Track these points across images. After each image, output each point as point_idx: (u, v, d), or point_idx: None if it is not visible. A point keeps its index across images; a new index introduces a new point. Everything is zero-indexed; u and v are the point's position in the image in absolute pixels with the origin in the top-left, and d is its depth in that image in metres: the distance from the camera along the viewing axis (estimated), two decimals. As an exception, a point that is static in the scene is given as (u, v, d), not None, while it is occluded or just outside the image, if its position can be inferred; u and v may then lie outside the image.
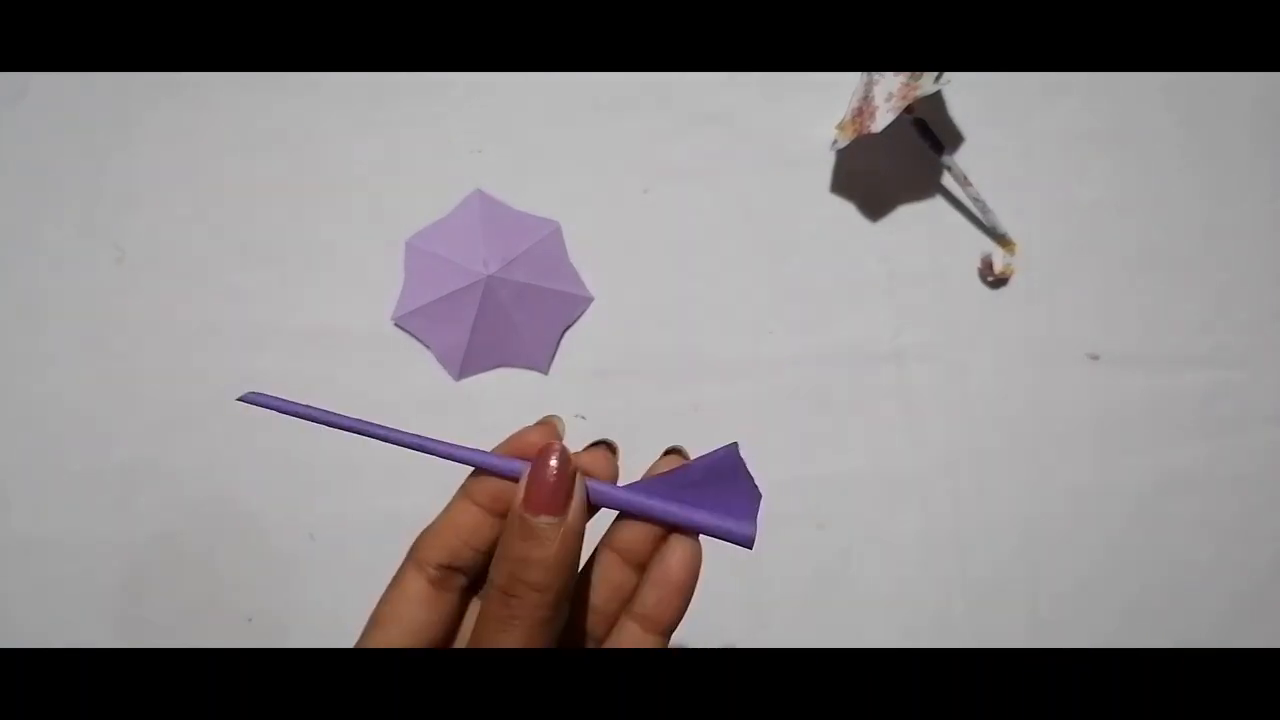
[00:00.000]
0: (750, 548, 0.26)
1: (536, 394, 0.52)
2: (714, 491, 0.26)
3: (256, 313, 0.52)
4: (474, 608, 0.28)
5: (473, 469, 0.27)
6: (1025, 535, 0.52)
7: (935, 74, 0.47)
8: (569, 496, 0.25)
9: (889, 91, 0.48)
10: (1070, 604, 0.52)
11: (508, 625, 0.24)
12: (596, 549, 0.28)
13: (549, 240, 0.52)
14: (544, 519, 0.24)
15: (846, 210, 0.54)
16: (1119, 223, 0.54)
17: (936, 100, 0.54)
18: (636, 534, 0.27)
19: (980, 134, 0.54)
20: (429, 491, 0.51)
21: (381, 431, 0.28)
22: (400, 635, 0.27)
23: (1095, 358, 0.53)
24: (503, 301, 0.50)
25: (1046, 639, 0.51)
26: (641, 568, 0.27)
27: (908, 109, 0.49)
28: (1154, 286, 0.54)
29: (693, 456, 0.27)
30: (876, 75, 0.49)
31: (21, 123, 0.53)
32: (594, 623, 0.28)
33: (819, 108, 0.53)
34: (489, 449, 0.28)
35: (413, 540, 0.28)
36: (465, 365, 0.52)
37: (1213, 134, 0.54)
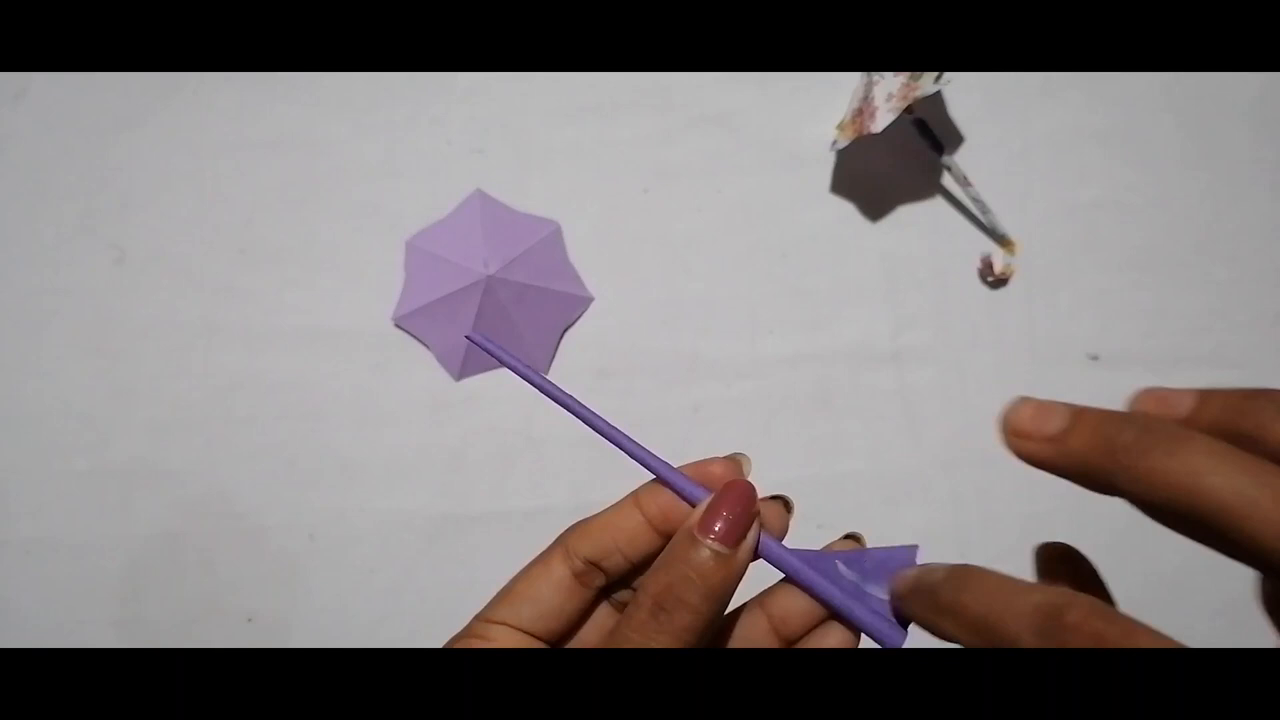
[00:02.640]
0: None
1: (536, 394, 0.52)
2: (877, 584, 0.26)
3: (256, 313, 0.52)
4: (602, 611, 0.28)
5: (653, 479, 0.28)
6: (1025, 535, 0.52)
7: (935, 74, 0.47)
8: (743, 534, 0.25)
9: (889, 92, 0.48)
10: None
11: (653, 638, 0.24)
12: (747, 604, 0.28)
13: (549, 240, 0.52)
14: (715, 545, 0.25)
15: (846, 210, 0.54)
16: (1119, 223, 0.54)
17: (936, 100, 0.54)
18: (796, 607, 0.27)
19: (980, 134, 0.54)
20: (429, 491, 0.52)
21: (584, 412, 0.28)
22: (530, 615, 0.27)
23: (1095, 358, 0.53)
24: (503, 302, 0.50)
25: (1046, 639, 0.51)
26: (784, 640, 0.27)
27: (908, 109, 0.49)
28: (1154, 286, 0.54)
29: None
30: (876, 75, 0.49)
31: (21, 122, 0.53)
32: None
33: (819, 108, 0.53)
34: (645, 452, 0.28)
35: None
36: (465, 365, 0.52)
37: (1213, 134, 0.54)
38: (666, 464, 0.27)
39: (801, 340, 0.53)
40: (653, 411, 0.53)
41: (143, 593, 0.51)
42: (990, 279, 0.53)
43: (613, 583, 0.28)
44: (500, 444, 0.52)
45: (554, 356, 0.53)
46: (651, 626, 0.24)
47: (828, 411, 0.53)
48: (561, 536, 0.28)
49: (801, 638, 0.27)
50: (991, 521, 0.52)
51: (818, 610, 0.27)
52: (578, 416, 0.28)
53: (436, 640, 0.29)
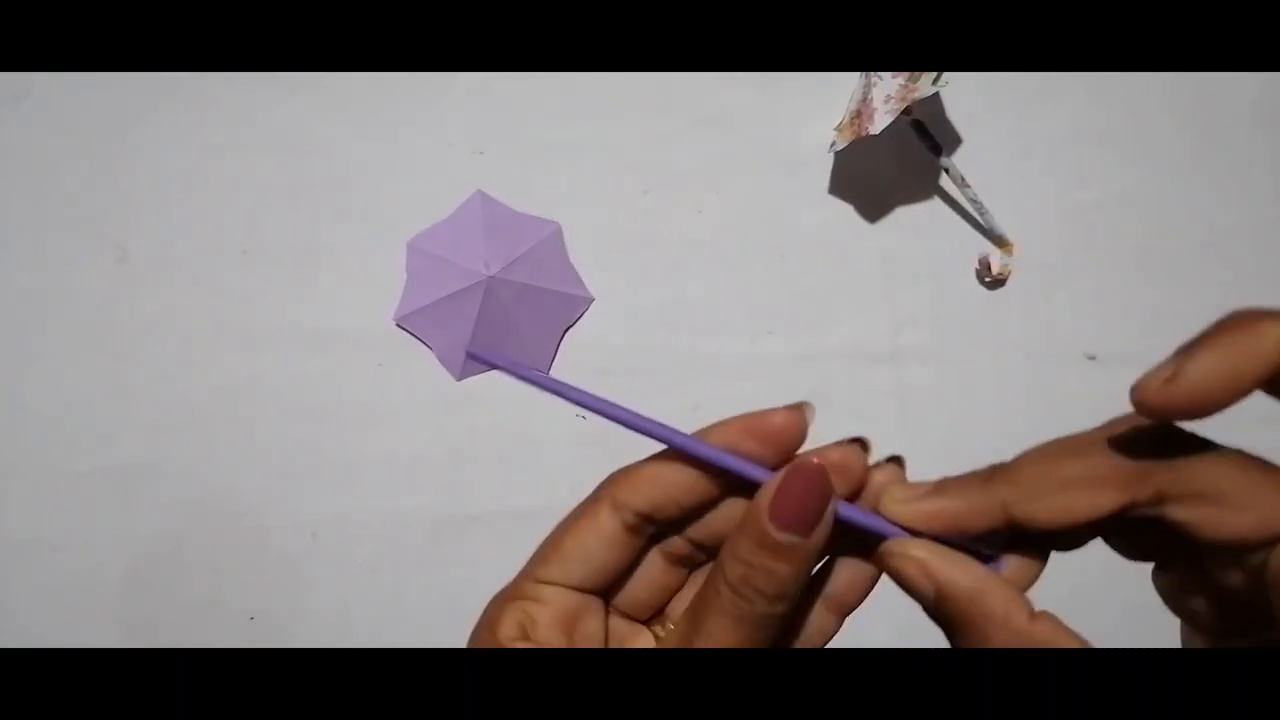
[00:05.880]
0: None
1: (537, 394, 0.52)
2: None
3: (257, 313, 0.52)
4: (651, 560, 0.27)
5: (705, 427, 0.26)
6: (1024, 535, 0.52)
7: (934, 76, 0.47)
8: (818, 519, 0.24)
9: (887, 94, 0.48)
10: (1070, 604, 0.52)
11: (739, 622, 0.24)
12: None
13: (549, 241, 0.52)
14: (788, 536, 0.23)
15: (845, 211, 0.54)
16: (1118, 223, 0.54)
17: (934, 102, 0.54)
18: (855, 580, 0.26)
19: (979, 135, 0.54)
20: (430, 491, 0.52)
21: (625, 415, 0.27)
22: (582, 574, 0.26)
23: (1092, 358, 0.53)
24: (504, 302, 0.50)
25: (1046, 639, 0.51)
26: (840, 617, 0.27)
27: (905, 111, 0.50)
28: (1153, 286, 0.54)
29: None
30: (874, 77, 0.49)
31: (23, 123, 0.53)
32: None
33: (818, 109, 0.53)
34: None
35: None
36: (466, 365, 0.52)
37: (1213, 134, 0.54)
38: (723, 451, 0.26)
39: (800, 341, 0.53)
40: (653, 411, 0.52)
41: (144, 592, 0.51)
42: (988, 279, 0.53)
43: (666, 530, 0.27)
44: (500, 444, 0.52)
45: (555, 357, 0.53)
46: (735, 614, 0.24)
47: (826, 412, 0.52)
48: (606, 488, 0.27)
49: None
50: (991, 521, 0.52)
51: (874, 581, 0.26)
52: (595, 410, 0.27)
53: (438, 639, 0.29)
